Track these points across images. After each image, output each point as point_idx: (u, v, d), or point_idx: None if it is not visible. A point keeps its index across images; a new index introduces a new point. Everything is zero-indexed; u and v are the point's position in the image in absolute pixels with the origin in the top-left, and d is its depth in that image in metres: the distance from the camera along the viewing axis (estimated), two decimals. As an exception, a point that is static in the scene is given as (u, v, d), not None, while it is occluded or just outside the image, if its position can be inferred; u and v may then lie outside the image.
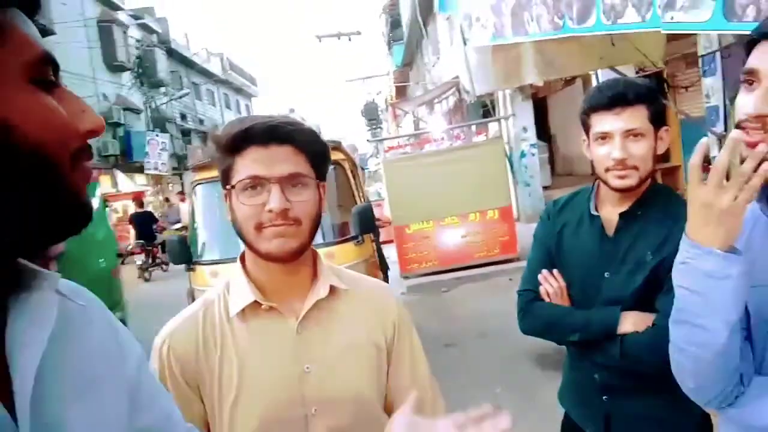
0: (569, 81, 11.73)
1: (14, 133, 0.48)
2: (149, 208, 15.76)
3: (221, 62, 36.80)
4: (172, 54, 27.67)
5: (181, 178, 25.88)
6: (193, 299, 4.06)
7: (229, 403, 1.04)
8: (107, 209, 10.71)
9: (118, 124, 20.17)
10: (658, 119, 1.43)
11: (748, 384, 1.01)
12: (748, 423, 1.00)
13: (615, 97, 1.40)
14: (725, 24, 2.11)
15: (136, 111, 22.64)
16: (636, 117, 1.39)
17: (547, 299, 1.58)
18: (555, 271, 1.59)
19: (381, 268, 6.40)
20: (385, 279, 6.65)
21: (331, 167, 4.12)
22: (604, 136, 1.42)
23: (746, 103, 0.93)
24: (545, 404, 3.43)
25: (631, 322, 1.42)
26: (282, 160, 1.01)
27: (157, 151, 21.52)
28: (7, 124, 0.48)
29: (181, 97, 25.98)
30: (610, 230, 1.51)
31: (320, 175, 1.08)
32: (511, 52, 6.06)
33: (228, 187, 1.05)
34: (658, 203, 1.47)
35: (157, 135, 21.99)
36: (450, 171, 8.00)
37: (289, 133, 1.03)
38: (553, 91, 13.73)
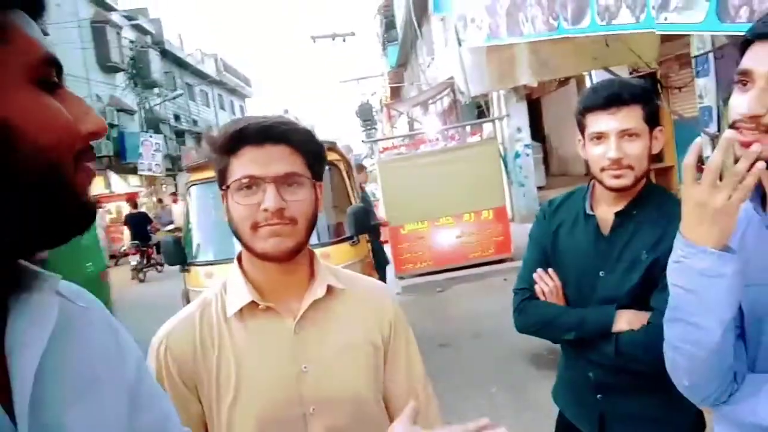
0: (563, 82, 11.78)
1: (15, 133, 0.48)
2: (142, 210, 15.73)
3: (215, 63, 36.76)
4: (165, 55, 27.60)
5: (174, 180, 25.82)
6: (188, 300, 4.07)
7: (227, 404, 1.04)
8: (95, 212, 10.70)
9: (111, 125, 20.08)
10: (653, 119, 1.44)
11: (742, 381, 1.01)
12: (742, 420, 1.01)
13: (610, 97, 1.40)
14: (718, 25, 2.12)
15: (130, 112, 22.57)
16: (631, 117, 1.40)
17: (542, 298, 1.59)
18: (550, 270, 1.60)
19: (381, 262, 6.51)
20: (384, 274, 6.73)
21: (326, 168, 4.13)
22: (600, 136, 1.43)
23: (740, 103, 0.94)
24: (540, 404, 3.45)
25: (626, 321, 1.43)
26: (277, 160, 1.01)
27: (150, 152, 21.46)
28: (7, 124, 0.48)
29: (174, 98, 25.92)
30: (606, 229, 1.51)
31: (316, 175, 1.08)
32: (506, 52, 6.08)
33: (224, 187, 1.05)
34: (653, 203, 1.48)
35: (150, 136, 21.93)
36: (445, 171, 8.01)
37: (283, 132, 1.03)
38: (547, 91, 13.79)
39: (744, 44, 0.97)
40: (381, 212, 8.28)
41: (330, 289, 1.11)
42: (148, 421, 0.67)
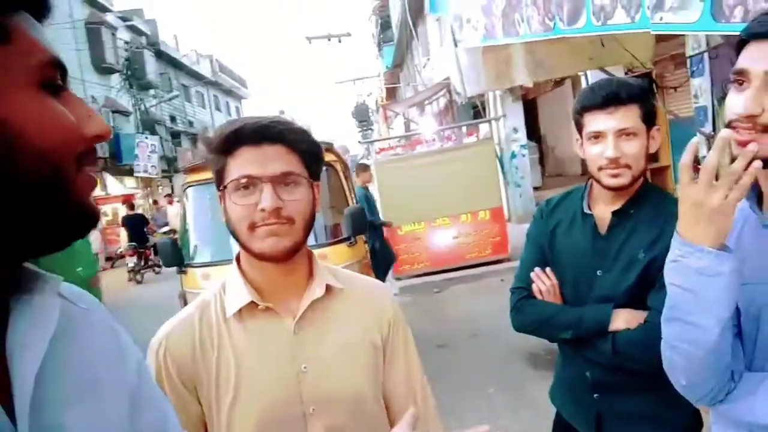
0: (559, 82, 11.81)
1: (16, 134, 0.48)
2: (139, 211, 15.72)
3: (211, 64, 36.71)
4: (161, 56, 27.55)
5: (170, 181, 25.77)
6: (185, 302, 4.07)
7: (227, 404, 1.04)
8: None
9: (107, 127, 20.01)
10: (650, 119, 1.44)
11: (739, 380, 1.02)
12: (739, 418, 1.01)
13: (608, 97, 1.41)
14: (713, 25, 2.13)
15: (125, 113, 22.51)
16: (629, 116, 1.41)
17: (539, 297, 1.59)
18: (548, 269, 1.60)
19: (389, 258, 6.69)
20: (386, 271, 6.83)
21: (323, 169, 4.13)
22: (597, 136, 1.44)
23: (736, 103, 0.95)
24: (538, 403, 3.45)
25: (623, 320, 1.43)
26: (274, 160, 1.01)
27: (146, 154, 21.40)
28: (8, 125, 0.48)
29: (170, 99, 25.87)
30: (603, 228, 1.52)
31: (313, 175, 1.08)
32: (502, 53, 6.09)
33: (221, 188, 1.05)
34: (650, 202, 1.49)
35: (146, 137, 21.86)
36: (441, 172, 8.02)
37: (280, 132, 1.03)
38: (542, 92, 13.81)
39: (740, 44, 0.98)
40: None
41: (329, 289, 1.11)
42: (149, 422, 0.67)
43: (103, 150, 19.01)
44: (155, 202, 19.60)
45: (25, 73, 0.51)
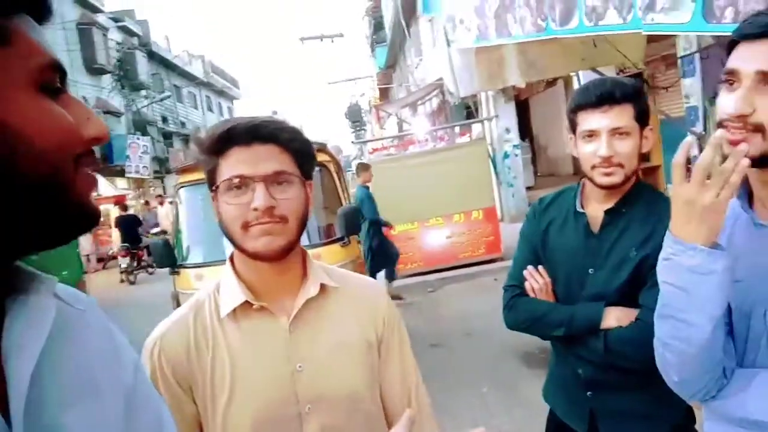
0: (551, 82, 11.86)
1: (14, 136, 0.48)
2: (131, 212, 15.65)
3: (203, 64, 36.60)
4: (152, 56, 27.45)
5: (162, 182, 25.66)
6: (178, 302, 4.05)
7: (223, 404, 1.03)
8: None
9: (98, 128, 19.91)
10: (644, 118, 1.45)
11: (731, 376, 1.03)
12: (731, 414, 1.02)
13: (603, 96, 1.42)
14: (704, 25, 2.15)
15: (117, 114, 22.41)
16: (622, 115, 1.42)
17: (532, 295, 1.60)
18: (540, 267, 1.61)
19: (392, 255, 6.90)
20: (393, 267, 7.01)
21: (316, 169, 4.13)
22: (591, 134, 1.44)
23: (727, 103, 0.96)
24: (531, 402, 3.46)
25: (615, 317, 1.44)
26: (265, 159, 1.01)
27: (138, 155, 21.30)
28: (6, 126, 0.48)
29: (162, 100, 25.76)
30: (595, 227, 1.53)
31: (306, 174, 1.08)
32: (495, 53, 6.11)
33: (213, 188, 1.05)
34: (643, 201, 1.50)
35: (138, 138, 21.77)
36: (434, 172, 8.03)
37: (271, 132, 1.03)
38: (535, 92, 13.87)
39: (730, 44, 0.99)
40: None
41: (323, 288, 1.11)
42: (145, 423, 0.67)
43: (94, 151, 18.88)
44: (146, 203, 19.50)
45: (24, 75, 0.51)
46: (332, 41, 21.51)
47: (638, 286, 1.43)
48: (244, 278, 1.09)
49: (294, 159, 1.05)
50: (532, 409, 3.25)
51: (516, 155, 11.86)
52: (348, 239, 4.29)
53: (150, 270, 13.13)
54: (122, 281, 12.87)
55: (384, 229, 7.17)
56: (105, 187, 19.82)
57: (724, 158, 0.91)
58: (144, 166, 21.63)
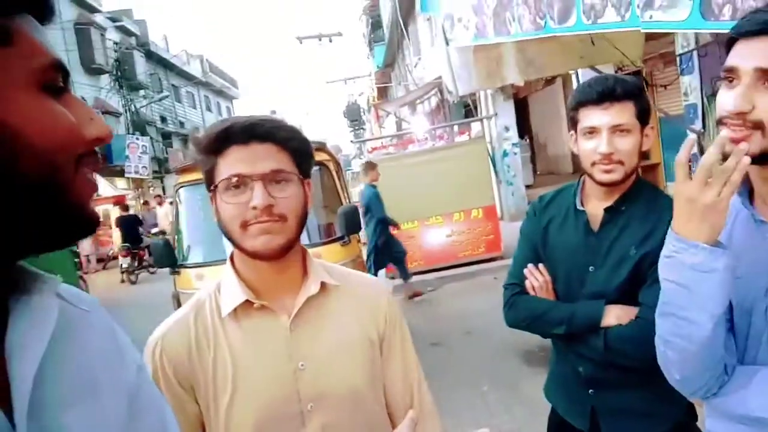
0: (549, 81, 11.86)
1: (14, 135, 0.48)
2: (131, 212, 15.66)
3: (201, 64, 36.57)
4: (151, 56, 27.43)
5: (162, 182, 25.65)
6: (179, 302, 4.06)
7: (225, 403, 1.03)
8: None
9: (97, 128, 19.89)
10: (644, 116, 1.45)
11: (732, 373, 1.03)
12: (732, 411, 1.02)
13: (604, 93, 1.42)
14: (702, 23, 2.14)
15: (116, 114, 22.39)
16: (623, 113, 1.42)
17: (532, 293, 1.60)
18: (540, 265, 1.61)
19: (399, 253, 6.96)
20: (403, 266, 7.06)
21: (315, 168, 4.13)
22: (592, 131, 1.44)
23: (727, 100, 0.96)
24: (532, 400, 3.47)
25: (615, 315, 1.44)
26: (263, 158, 1.01)
27: (137, 155, 21.28)
28: (7, 126, 0.48)
29: (160, 100, 25.76)
30: (595, 225, 1.53)
31: (304, 172, 1.08)
32: (493, 52, 6.10)
33: (212, 187, 1.05)
34: (643, 199, 1.50)
35: (137, 138, 21.74)
36: (434, 171, 8.03)
37: (269, 130, 1.03)
38: (533, 90, 13.86)
39: (729, 42, 0.99)
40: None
41: (324, 286, 1.11)
42: (148, 423, 0.67)
43: (93, 151, 18.87)
44: (146, 203, 19.48)
45: (26, 75, 0.51)
46: (330, 40, 21.52)
47: (638, 284, 1.43)
48: (244, 277, 1.09)
49: (292, 158, 1.05)
50: (533, 408, 3.25)
51: (515, 153, 11.86)
52: (348, 238, 4.29)
53: (151, 270, 13.15)
54: (123, 281, 12.89)
55: (390, 228, 7.16)
56: (104, 188, 19.83)
57: (725, 157, 0.91)
58: (143, 166, 21.61)
